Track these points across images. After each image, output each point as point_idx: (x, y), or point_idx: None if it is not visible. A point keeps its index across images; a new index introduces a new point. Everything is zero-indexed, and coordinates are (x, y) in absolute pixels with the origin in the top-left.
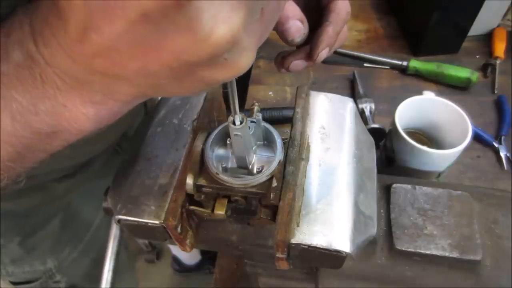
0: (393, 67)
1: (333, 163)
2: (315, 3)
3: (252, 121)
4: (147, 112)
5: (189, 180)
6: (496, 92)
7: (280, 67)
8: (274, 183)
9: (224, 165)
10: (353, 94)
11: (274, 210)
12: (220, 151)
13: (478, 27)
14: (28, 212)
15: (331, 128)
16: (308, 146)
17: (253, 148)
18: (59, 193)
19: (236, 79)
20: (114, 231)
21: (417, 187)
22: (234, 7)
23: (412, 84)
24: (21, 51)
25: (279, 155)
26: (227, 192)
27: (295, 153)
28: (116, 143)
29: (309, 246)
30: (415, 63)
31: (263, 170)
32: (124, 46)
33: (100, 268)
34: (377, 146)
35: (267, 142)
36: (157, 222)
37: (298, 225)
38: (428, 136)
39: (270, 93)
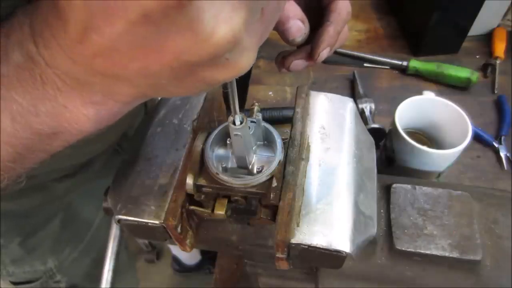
0: (393, 67)
1: (333, 163)
2: (316, 3)
3: (252, 121)
4: (147, 112)
5: (189, 180)
6: (496, 92)
7: (281, 67)
8: (274, 183)
9: (224, 165)
10: (353, 94)
11: (274, 210)
12: (220, 151)
13: (478, 27)
14: (28, 212)
15: (331, 128)
16: (308, 146)
17: (253, 148)
18: (59, 193)
19: (236, 79)
20: (114, 231)
21: (417, 187)
22: (235, 7)
23: (412, 84)
24: (21, 52)
25: (279, 155)
26: (227, 192)
27: (295, 153)
28: (116, 143)
29: (309, 246)
30: (415, 63)
31: (263, 170)
32: (125, 47)
33: (101, 268)
34: (377, 146)
35: (267, 142)
36: (157, 222)
37: (298, 225)
38: (428, 136)
39: (270, 93)
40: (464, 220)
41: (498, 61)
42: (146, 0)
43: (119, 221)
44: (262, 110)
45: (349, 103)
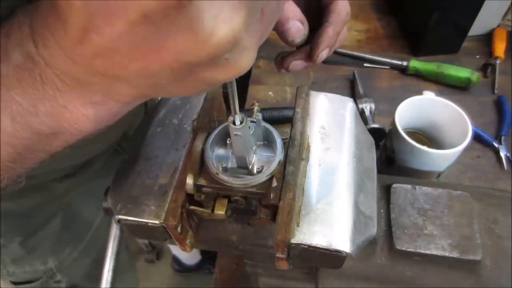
0: (393, 67)
1: (333, 163)
2: (315, 3)
3: (252, 121)
4: (147, 112)
5: (189, 180)
6: (496, 92)
7: (280, 67)
8: (274, 183)
9: (224, 165)
10: (353, 94)
11: (274, 210)
12: (220, 151)
13: (478, 27)
14: (28, 212)
15: (331, 128)
16: (308, 146)
17: (253, 148)
18: (59, 193)
19: (236, 79)
20: (114, 231)
21: (417, 187)
22: (235, 7)
23: (412, 84)
24: (20, 52)
25: (279, 155)
26: (227, 192)
27: (295, 153)
28: (116, 143)
29: (309, 246)
30: (415, 63)
31: (263, 170)
32: (125, 47)
33: (101, 268)
34: (377, 146)
35: (267, 142)
36: (157, 222)
37: (298, 225)
38: (428, 136)
39: (270, 93)
40: (464, 220)
41: (498, 61)
42: (146, 0)
43: (119, 221)
44: (262, 110)
45: (349, 103)
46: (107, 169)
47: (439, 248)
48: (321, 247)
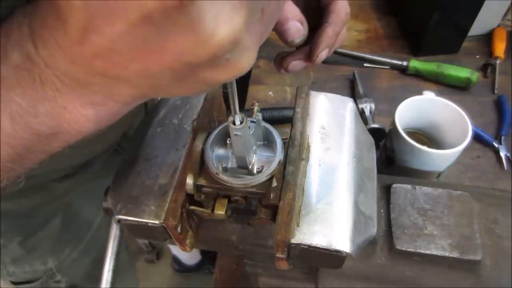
0: (393, 67)
1: (333, 163)
2: (315, 4)
3: (252, 121)
4: (147, 112)
5: (189, 180)
6: (496, 92)
7: (279, 68)
8: (274, 183)
9: (224, 165)
10: (353, 94)
11: (274, 210)
12: (220, 151)
13: (478, 27)
14: (28, 212)
15: (331, 128)
16: (308, 146)
17: (253, 148)
18: (59, 193)
19: (236, 79)
20: (114, 231)
21: (417, 187)
22: (235, 7)
23: (412, 84)
24: (20, 53)
25: (279, 155)
26: (227, 192)
27: (295, 153)
28: (116, 143)
29: (309, 246)
30: (415, 63)
31: (263, 170)
32: (125, 48)
33: (101, 268)
34: (377, 146)
35: (267, 142)
36: (157, 222)
37: (298, 225)
38: (428, 136)
39: (270, 93)
40: (464, 220)
41: (498, 61)
42: (147, 0)
43: (119, 221)
44: (262, 110)
45: (349, 103)
46: (107, 169)
47: (439, 248)
48: (321, 247)
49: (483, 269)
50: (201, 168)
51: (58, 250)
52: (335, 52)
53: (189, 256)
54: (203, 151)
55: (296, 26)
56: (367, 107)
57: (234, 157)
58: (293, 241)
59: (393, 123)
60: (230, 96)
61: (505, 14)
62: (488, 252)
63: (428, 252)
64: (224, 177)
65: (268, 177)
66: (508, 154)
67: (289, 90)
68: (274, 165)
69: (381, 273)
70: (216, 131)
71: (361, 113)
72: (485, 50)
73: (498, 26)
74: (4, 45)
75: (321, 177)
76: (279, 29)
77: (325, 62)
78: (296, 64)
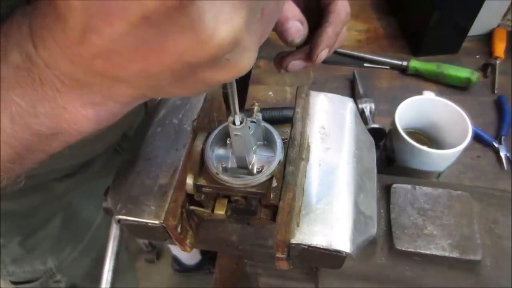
0: (393, 67)
1: (333, 163)
2: (315, 4)
3: (252, 121)
4: (147, 112)
5: (189, 180)
6: (496, 92)
7: (279, 67)
8: (274, 183)
9: (224, 165)
10: (353, 94)
11: (274, 210)
12: (220, 151)
13: (478, 27)
14: (28, 212)
15: (331, 128)
16: (308, 146)
17: (253, 148)
18: (59, 193)
19: (236, 79)
20: (114, 231)
21: (417, 187)
22: (235, 7)
23: (412, 84)
24: (20, 53)
25: (279, 155)
26: (227, 192)
27: (295, 153)
28: (116, 143)
29: (309, 246)
30: (415, 63)
31: (263, 170)
32: (125, 48)
33: (101, 268)
34: (377, 146)
35: (267, 142)
36: (157, 222)
37: (298, 225)
38: (428, 136)
39: (270, 93)
40: (464, 220)
41: (498, 61)
42: (147, 0)
43: (119, 221)
44: (262, 110)
45: (349, 103)
46: (107, 169)
47: (439, 248)
48: (321, 247)
49: (483, 269)
50: (201, 168)
51: (58, 250)
52: (335, 52)
53: (189, 256)
54: (203, 151)
55: (296, 26)
56: (367, 107)
57: (234, 157)
58: (293, 241)
59: (393, 123)
60: (230, 96)
61: (505, 14)
62: (488, 252)
63: (428, 252)
64: (224, 177)
65: (268, 177)
66: (508, 154)
67: (289, 90)
68: (274, 165)
69: (381, 273)
70: (216, 131)
71: (361, 113)
72: (485, 50)
73: (498, 26)
74: (4, 45)
75: (321, 177)
76: (279, 29)
77: (325, 62)
78: (296, 64)
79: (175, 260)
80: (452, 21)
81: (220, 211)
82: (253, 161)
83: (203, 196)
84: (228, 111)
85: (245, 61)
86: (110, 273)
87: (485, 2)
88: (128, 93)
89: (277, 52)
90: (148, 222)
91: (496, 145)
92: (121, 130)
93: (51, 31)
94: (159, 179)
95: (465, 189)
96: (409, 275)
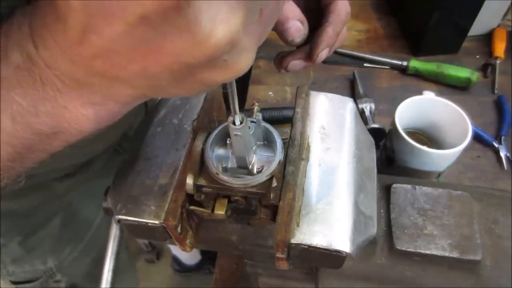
0: (393, 67)
1: (333, 163)
2: (315, 4)
3: (252, 121)
4: (147, 112)
5: (189, 180)
6: (496, 92)
7: (279, 67)
8: (274, 183)
9: (224, 165)
10: (353, 94)
11: (274, 210)
12: (220, 151)
13: (478, 27)
14: (28, 212)
15: (331, 128)
16: (308, 146)
17: (253, 148)
18: (59, 193)
19: (236, 79)
20: (114, 231)
21: (417, 187)
22: (233, 8)
23: (412, 84)
24: (20, 53)
25: (279, 155)
26: (227, 192)
27: (295, 153)
28: (116, 143)
29: (309, 246)
30: (415, 63)
31: (263, 170)
32: (124, 48)
33: (101, 267)
34: (377, 146)
35: (267, 142)
36: (157, 222)
37: (298, 225)
38: (428, 136)
39: (270, 93)
40: (464, 220)
41: (498, 61)
42: (144, 0)
43: (119, 221)
44: (262, 110)
45: (349, 103)
46: (107, 169)
47: (439, 248)
48: (321, 247)
49: (483, 269)
50: (201, 168)
51: (58, 250)
52: (335, 52)
53: (189, 256)
54: (203, 151)
55: (297, 26)
56: (367, 107)
57: (234, 157)
58: (293, 241)
59: (393, 123)
60: (230, 96)
61: (505, 14)
62: (488, 252)
63: (428, 252)
64: (224, 177)
65: (268, 177)
66: (508, 154)
67: (289, 90)
68: (274, 165)
69: (381, 273)
70: (216, 131)
71: (361, 113)
72: (485, 50)
73: (498, 26)
74: (5, 45)
75: (321, 177)
76: (279, 29)
77: (325, 62)
78: (296, 63)
79: (175, 260)
80: (452, 21)
81: (220, 211)
82: (253, 161)
83: (203, 196)
84: (228, 111)
85: (243, 61)
86: (110, 273)
87: (485, 2)
88: (128, 93)
89: (277, 52)
90: (148, 222)
91: (496, 145)
92: (121, 130)
93: (51, 31)
94: (159, 179)
95: (465, 189)
96: (409, 275)
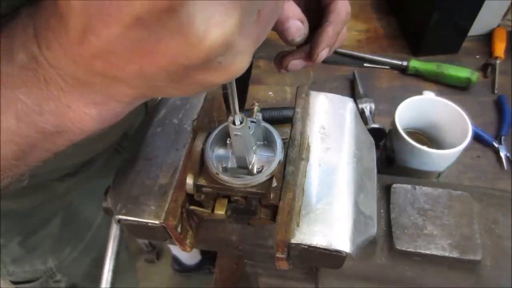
0: (393, 67)
1: (333, 163)
2: (315, 3)
3: (252, 121)
4: (147, 112)
5: (189, 180)
6: (496, 92)
7: (279, 67)
8: (274, 183)
9: (224, 165)
10: (353, 94)
11: (274, 210)
12: (220, 151)
13: (478, 27)
14: (29, 212)
15: (331, 128)
16: (308, 146)
17: (253, 148)
18: (60, 192)
19: (236, 79)
20: (114, 231)
21: (417, 187)
22: (228, 9)
23: (412, 84)
24: (25, 54)
25: (279, 155)
26: (227, 192)
27: (295, 153)
28: (117, 143)
29: (309, 246)
30: (415, 63)
31: (263, 170)
32: (121, 49)
33: (101, 267)
34: (377, 146)
35: (267, 142)
36: (157, 222)
37: (298, 225)
38: (428, 136)
39: (270, 93)
40: (464, 220)
41: (498, 61)
42: (139, 1)
43: (119, 221)
44: (262, 110)
45: (349, 103)
46: (107, 168)
47: (439, 248)
48: (321, 247)
49: (483, 269)
50: (201, 168)
51: (58, 250)
52: (335, 52)
53: (189, 256)
54: (203, 151)
55: (297, 25)
56: (367, 107)
57: (234, 157)
58: (293, 241)
59: (393, 123)
60: (229, 96)
61: (505, 14)
62: (488, 252)
63: (428, 252)
64: (224, 177)
65: (268, 177)
66: (508, 154)
67: (289, 90)
68: (274, 165)
69: (381, 273)
70: (216, 131)
71: (361, 113)
72: (485, 50)
73: (498, 26)
74: (10, 46)
75: (321, 177)
76: (279, 28)
77: (325, 62)
78: (296, 63)
79: (175, 260)
80: (452, 21)
81: (220, 211)
82: (253, 161)
83: (203, 196)
84: (228, 111)
85: (238, 64)
86: (110, 273)
87: (485, 2)
88: (128, 93)
89: (277, 52)
90: (148, 222)
91: (496, 145)
92: (122, 129)
93: (55, 32)
94: (159, 179)
95: (465, 189)
96: (409, 275)
